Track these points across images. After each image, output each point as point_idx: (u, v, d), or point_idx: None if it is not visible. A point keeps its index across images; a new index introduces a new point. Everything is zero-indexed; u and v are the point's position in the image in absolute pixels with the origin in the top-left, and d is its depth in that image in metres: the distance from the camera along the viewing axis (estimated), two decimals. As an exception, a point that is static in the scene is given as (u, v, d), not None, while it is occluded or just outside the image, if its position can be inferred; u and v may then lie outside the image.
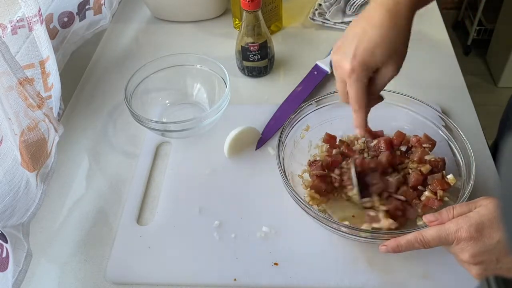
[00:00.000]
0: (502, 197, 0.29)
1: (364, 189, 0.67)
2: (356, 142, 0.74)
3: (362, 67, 0.58)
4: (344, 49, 0.59)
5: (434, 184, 0.66)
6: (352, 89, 0.60)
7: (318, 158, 0.72)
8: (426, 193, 0.66)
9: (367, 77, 0.59)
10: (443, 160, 0.69)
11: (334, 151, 0.72)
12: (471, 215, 0.53)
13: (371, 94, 0.61)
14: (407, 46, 0.60)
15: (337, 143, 0.74)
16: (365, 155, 0.72)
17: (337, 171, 0.69)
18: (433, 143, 0.71)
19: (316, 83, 0.90)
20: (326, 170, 0.70)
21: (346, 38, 0.60)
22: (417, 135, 0.72)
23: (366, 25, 0.58)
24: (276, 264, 0.65)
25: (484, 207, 0.53)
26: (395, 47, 0.59)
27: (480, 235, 0.52)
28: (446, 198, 0.66)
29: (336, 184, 0.69)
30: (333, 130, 0.77)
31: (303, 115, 0.75)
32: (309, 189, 0.69)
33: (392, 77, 0.61)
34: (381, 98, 0.64)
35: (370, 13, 0.59)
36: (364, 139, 0.74)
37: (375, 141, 0.72)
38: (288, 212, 0.70)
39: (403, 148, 0.72)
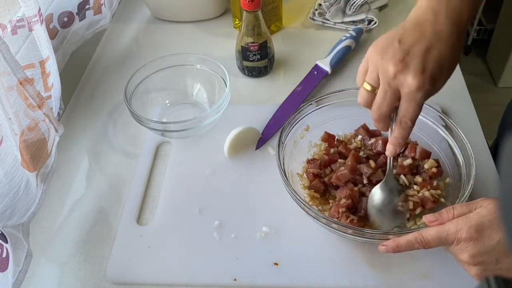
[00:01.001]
0: (502, 197, 0.29)
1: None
2: (353, 140, 0.74)
3: (430, 84, 0.54)
4: (408, 60, 0.53)
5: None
6: (412, 105, 0.55)
7: (316, 157, 0.73)
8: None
9: (430, 94, 0.55)
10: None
11: (332, 150, 0.72)
12: (471, 215, 0.53)
13: None
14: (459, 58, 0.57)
15: (335, 142, 0.75)
16: (361, 153, 0.72)
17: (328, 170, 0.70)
18: (439, 172, 0.69)
19: (316, 83, 0.90)
20: (323, 169, 0.70)
21: (406, 47, 0.54)
22: (415, 142, 0.72)
23: (433, 37, 0.54)
24: (276, 264, 0.65)
25: (484, 208, 0.53)
26: (457, 59, 0.56)
27: (480, 236, 0.52)
28: (442, 199, 0.66)
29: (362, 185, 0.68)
30: (333, 130, 0.77)
31: (303, 115, 0.75)
32: (307, 190, 0.69)
33: (435, 93, 0.57)
34: None
35: (432, 26, 0.54)
36: (361, 137, 0.74)
37: (372, 140, 0.72)
38: (288, 212, 0.70)
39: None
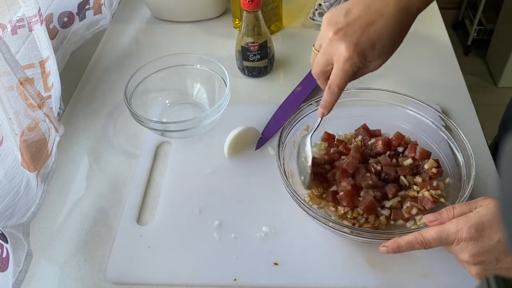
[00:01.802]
0: (502, 197, 0.29)
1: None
2: (353, 140, 0.74)
3: (360, 57, 0.58)
4: (343, 27, 0.58)
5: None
6: (339, 74, 0.59)
7: (316, 156, 0.73)
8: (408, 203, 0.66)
9: (359, 67, 0.59)
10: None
11: (332, 150, 0.73)
12: (471, 215, 0.53)
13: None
14: (399, 46, 0.60)
15: (335, 142, 0.75)
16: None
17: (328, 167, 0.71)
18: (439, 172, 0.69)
19: (316, 83, 0.89)
20: (323, 168, 0.70)
21: (349, 20, 0.58)
22: (415, 142, 0.72)
23: (375, 15, 0.57)
24: (276, 264, 0.65)
25: (484, 207, 0.53)
26: (394, 45, 0.59)
27: (480, 236, 0.52)
28: (442, 200, 0.66)
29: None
30: (333, 130, 0.77)
31: (303, 115, 0.75)
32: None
33: (370, 72, 0.61)
34: None
35: (379, 4, 0.58)
36: (361, 137, 0.74)
37: (372, 140, 0.72)
38: (288, 212, 0.70)
39: (400, 149, 0.72)
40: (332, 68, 0.61)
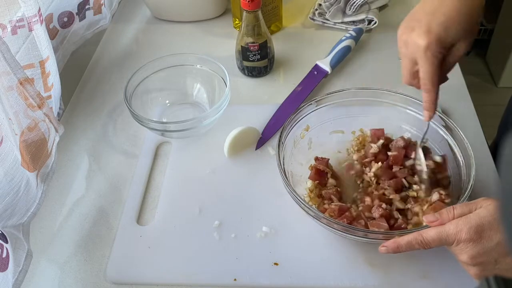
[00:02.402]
0: (502, 197, 0.29)
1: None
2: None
3: (438, 42, 0.57)
4: (414, 25, 0.58)
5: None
6: (426, 66, 0.58)
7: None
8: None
9: (442, 53, 0.58)
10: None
11: (324, 192, 0.70)
12: (471, 216, 0.53)
13: (440, 74, 0.61)
14: (479, 23, 0.59)
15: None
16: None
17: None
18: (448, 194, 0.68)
19: (316, 83, 0.90)
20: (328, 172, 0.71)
21: (415, 16, 0.59)
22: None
23: (436, 3, 0.58)
24: (276, 264, 0.65)
25: (484, 209, 0.53)
26: (470, 23, 0.58)
27: (480, 237, 0.52)
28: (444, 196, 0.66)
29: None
30: (333, 129, 0.77)
31: (303, 115, 0.75)
32: (309, 182, 0.70)
33: (463, 55, 0.60)
34: (446, 79, 0.64)
35: None
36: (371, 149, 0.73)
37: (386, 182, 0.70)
38: (288, 212, 0.70)
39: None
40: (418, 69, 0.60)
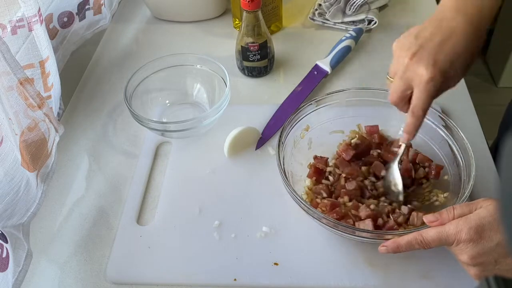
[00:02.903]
0: (502, 198, 0.29)
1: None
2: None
3: (441, 76, 0.56)
4: (417, 51, 0.57)
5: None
6: (422, 96, 0.58)
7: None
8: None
9: (441, 85, 0.58)
10: None
11: (321, 186, 0.70)
12: (471, 217, 0.53)
13: None
14: (477, 56, 0.59)
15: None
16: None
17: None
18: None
19: (316, 83, 0.90)
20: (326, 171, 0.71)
21: (420, 39, 0.58)
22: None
23: (447, 33, 0.57)
24: (276, 264, 0.65)
25: (484, 209, 0.53)
26: (472, 58, 0.58)
27: (480, 238, 0.52)
28: (443, 199, 0.66)
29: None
30: (333, 129, 0.77)
31: (303, 115, 0.75)
32: (307, 181, 0.70)
33: (449, 89, 0.60)
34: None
35: (449, 22, 0.57)
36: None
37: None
38: (288, 212, 0.70)
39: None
40: (411, 93, 0.59)
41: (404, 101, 0.61)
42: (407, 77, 0.59)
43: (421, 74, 0.57)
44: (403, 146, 0.67)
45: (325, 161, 0.72)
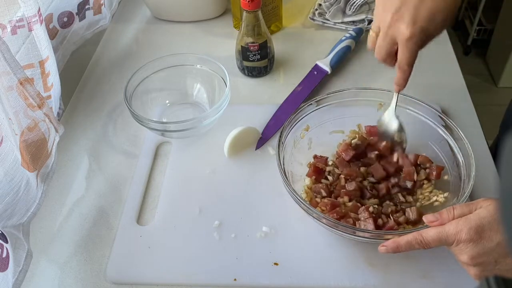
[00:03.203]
0: (502, 198, 0.29)
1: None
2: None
3: (421, 33, 0.59)
4: (399, 6, 0.60)
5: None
6: (406, 52, 0.61)
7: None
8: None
9: (423, 41, 0.60)
10: None
11: (321, 185, 0.71)
12: (471, 217, 0.53)
13: None
14: (455, 11, 0.61)
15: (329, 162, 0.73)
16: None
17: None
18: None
19: (316, 83, 0.90)
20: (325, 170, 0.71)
21: (402, 1, 0.60)
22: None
23: None
24: (276, 264, 0.65)
25: (484, 209, 0.53)
26: (453, 11, 0.60)
27: (480, 238, 0.52)
28: (443, 199, 0.66)
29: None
30: (333, 129, 0.77)
31: (303, 115, 0.75)
32: (307, 180, 0.70)
33: (434, 38, 0.62)
34: None
35: None
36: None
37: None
38: (288, 212, 0.70)
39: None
40: (397, 48, 0.62)
41: (391, 56, 0.64)
42: (391, 33, 0.61)
43: (403, 32, 0.60)
44: (395, 95, 0.71)
45: (324, 160, 0.72)
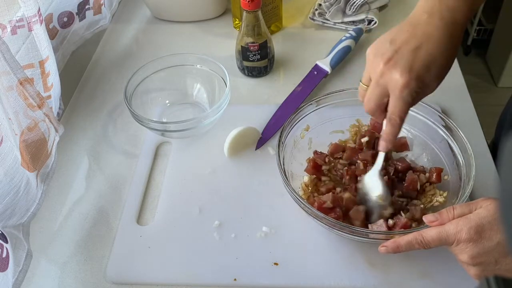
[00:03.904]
0: (502, 197, 0.29)
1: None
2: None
3: (417, 82, 0.55)
4: (393, 57, 0.56)
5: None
6: (399, 103, 0.56)
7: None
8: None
9: (417, 92, 0.56)
10: None
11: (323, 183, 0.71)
12: (471, 217, 0.53)
13: None
14: (453, 62, 0.57)
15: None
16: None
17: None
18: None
19: (316, 83, 0.90)
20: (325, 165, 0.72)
21: (396, 43, 0.56)
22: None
23: (423, 38, 0.55)
24: (276, 264, 0.65)
25: (484, 209, 0.53)
26: (449, 63, 0.57)
27: (480, 238, 0.52)
28: (443, 199, 0.66)
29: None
30: (333, 129, 0.77)
31: (303, 115, 0.75)
32: (305, 177, 0.70)
33: (429, 94, 0.58)
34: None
35: (424, 27, 0.56)
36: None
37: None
38: (288, 212, 0.70)
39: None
40: (387, 100, 0.58)
41: (381, 109, 0.59)
42: (383, 82, 0.57)
43: (396, 80, 0.55)
44: (382, 155, 0.65)
45: (324, 157, 0.72)
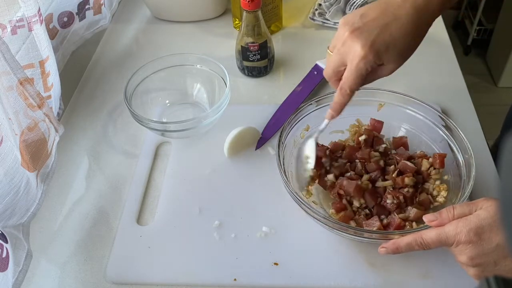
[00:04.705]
0: (502, 198, 0.29)
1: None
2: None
3: (375, 57, 0.57)
4: (360, 28, 0.57)
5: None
6: (352, 74, 0.58)
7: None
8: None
9: (372, 68, 0.58)
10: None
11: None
12: (471, 218, 0.53)
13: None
14: (414, 50, 0.59)
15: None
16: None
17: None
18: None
19: (316, 83, 0.90)
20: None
21: (368, 16, 0.58)
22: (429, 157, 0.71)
23: (391, 18, 0.57)
24: (276, 264, 0.65)
25: (484, 210, 0.53)
26: (409, 49, 0.58)
27: (479, 239, 0.52)
28: (442, 199, 0.67)
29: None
30: (334, 129, 0.77)
31: (303, 115, 0.75)
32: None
33: (383, 76, 0.60)
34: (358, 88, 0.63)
35: (396, 9, 0.57)
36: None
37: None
38: (288, 212, 0.70)
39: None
40: (345, 69, 0.60)
41: (337, 77, 0.62)
42: (343, 51, 0.59)
43: (356, 51, 0.57)
44: (325, 122, 0.66)
45: (324, 150, 0.72)
